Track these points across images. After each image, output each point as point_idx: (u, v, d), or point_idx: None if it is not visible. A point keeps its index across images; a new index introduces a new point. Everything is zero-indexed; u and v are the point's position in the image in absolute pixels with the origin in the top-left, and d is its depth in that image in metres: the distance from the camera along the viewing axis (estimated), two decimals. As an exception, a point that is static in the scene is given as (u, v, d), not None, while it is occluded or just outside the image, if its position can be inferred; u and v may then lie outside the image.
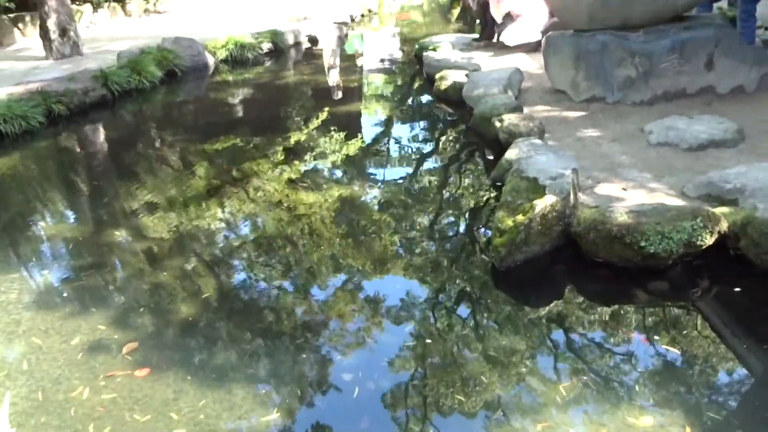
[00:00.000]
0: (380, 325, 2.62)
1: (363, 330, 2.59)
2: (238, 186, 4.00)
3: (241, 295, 2.88)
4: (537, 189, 2.91)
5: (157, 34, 8.29)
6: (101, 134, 5.39)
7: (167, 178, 4.23)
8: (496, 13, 6.74)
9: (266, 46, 7.92)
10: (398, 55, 8.21)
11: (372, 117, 5.59)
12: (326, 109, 5.68)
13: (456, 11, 12.51)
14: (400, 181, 4.06)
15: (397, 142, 4.89)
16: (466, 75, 5.41)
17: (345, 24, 9.64)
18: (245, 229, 3.48)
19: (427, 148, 4.69)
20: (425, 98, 5.99)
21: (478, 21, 7.27)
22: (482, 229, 3.33)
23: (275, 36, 8.07)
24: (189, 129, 5.38)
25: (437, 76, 5.72)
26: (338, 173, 4.23)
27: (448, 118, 5.32)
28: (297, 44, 8.46)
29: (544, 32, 6.29)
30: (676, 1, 4.46)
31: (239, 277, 3.03)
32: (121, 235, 3.46)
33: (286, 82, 6.84)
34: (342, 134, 4.96)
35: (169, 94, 6.52)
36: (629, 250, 2.68)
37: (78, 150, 5.02)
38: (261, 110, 5.92)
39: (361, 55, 7.87)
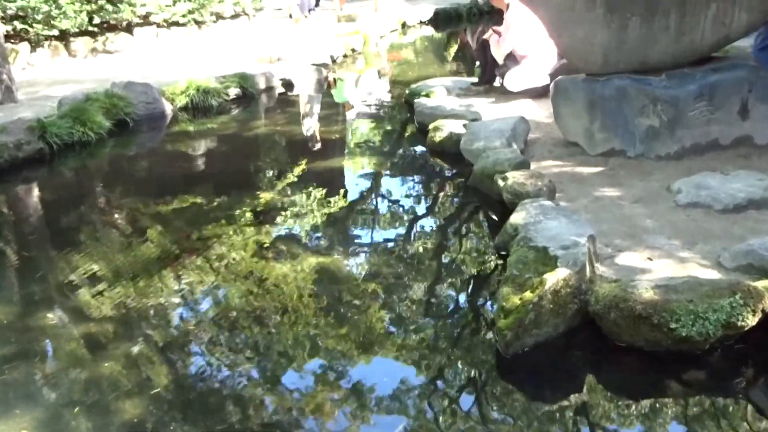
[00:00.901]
0: (367, 420, 2.60)
1: (346, 429, 2.56)
2: (198, 254, 4.02)
3: (200, 387, 2.85)
4: (547, 260, 2.95)
5: (106, 78, 8.45)
6: (36, 195, 5.41)
7: (114, 246, 4.23)
8: (498, 53, 6.97)
9: (233, 91, 8.08)
10: (387, 100, 8.40)
11: (356, 173, 5.68)
12: (303, 163, 5.77)
13: (452, 50, 12.89)
14: (389, 247, 4.09)
15: (386, 202, 4.96)
16: (464, 125, 5.54)
17: (325, 66, 9.88)
18: (206, 307, 3.48)
19: (420, 209, 4.75)
20: (417, 151, 6.10)
21: (477, 63, 7.50)
22: (486, 306, 3.34)
23: (244, 80, 8.25)
24: (141, 187, 5.42)
25: (431, 126, 5.85)
26: (317, 238, 4.26)
27: (444, 175, 5.41)
28: (269, 89, 8.65)
29: (552, 76, 6.49)
30: (701, 42, 4.65)
31: (198, 365, 3.00)
32: (55, 316, 3.43)
33: (256, 133, 6.95)
34: (322, 192, 5.03)
35: (119, 147, 6.60)
36: (658, 333, 2.70)
37: (7, 213, 5.03)
38: (226, 165, 5.99)
39: (351, 106, 8.04)
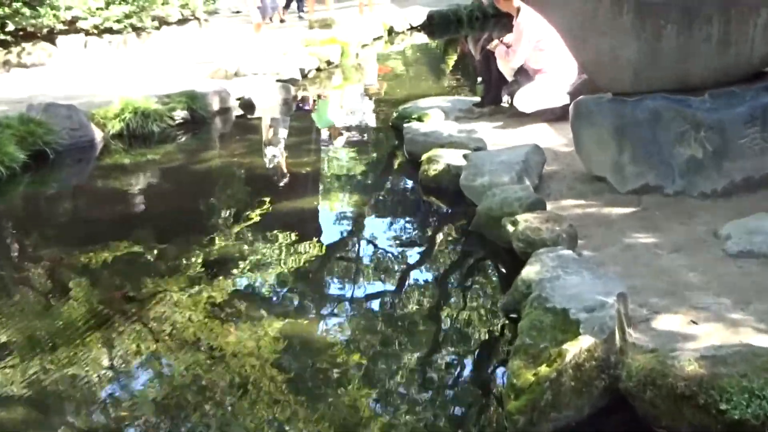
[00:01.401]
0: None
1: None
2: (133, 315, 4.00)
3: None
4: (567, 326, 2.96)
5: (21, 98, 8.49)
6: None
7: (28, 308, 4.21)
8: (505, 67, 7.09)
9: (180, 114, 8.14)
10: (370, 124, 8.49)
11: (333, 214, 5.71)
12: (267, 203, 5.79)
13: (450, 61, 13.08)
14: (373, 308, 4.10)
15: (369, 251, 4.97)
16: (465, 156, 5.59)
17: (293, 82, 9.99)
18: (143, 384, 3.45)
19: (411, 260, 4.77)
20: (407, 188, 6.14)
21: (480, 78, 7.61)
22: (492, 384, 3.34)
23: (193, 100, 8.33)
24: (64, 234, 5.42)
25: (424, 156, 5.90)
26: (284, 296, 4.26)
27: (440, 218, 5.44)
28: (224, 111, 8.72)
29: (572, 95, 6.59)
30: (751, 54, 4.76)
31: (132, 460, 2.98)
32: (-48, 398, 3.40)
33: (208, 166, 6.99)
34: (290, 238, 5.05)
35: (36, 184, 6.60)
36: (704, 415, 2.71)
37: None
38: (171, 205, 6.01)
39: (336, 131, 8.10)
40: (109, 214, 5.81)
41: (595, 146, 5.03)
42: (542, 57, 6.85)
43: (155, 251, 4.91)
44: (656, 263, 3.94)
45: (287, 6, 16.10)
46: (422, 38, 14.97)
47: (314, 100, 9.55)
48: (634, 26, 4.70)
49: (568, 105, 5.54)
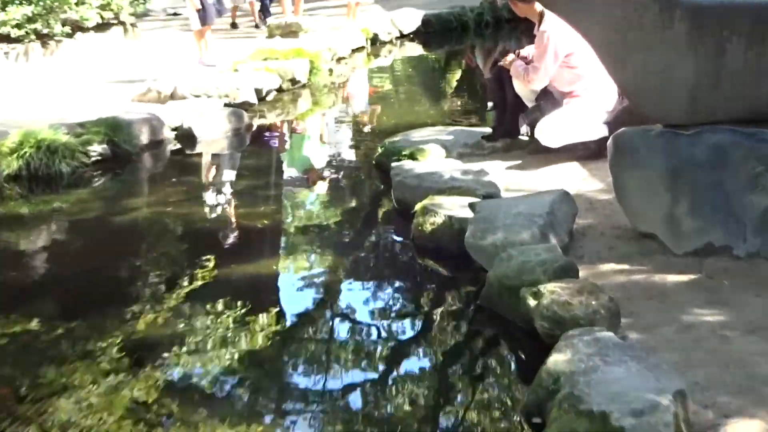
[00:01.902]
0: None
1: None
2: (26, 421, 3.94)
3: None
4: (610, 434, 2.93)
5: None
6: None
7: None
8: (524, 89, 7.14)
9: (97, 148, 8.14)
10: (347, 162, 8.51)
11: (298, 282, 5.70)
12: (210, 266, 5.78)
13: (453, 80, 13.19)
14: (352, 407, 4.06)
15: (346, 330, 4.97)
16: (471, 205, 5.60)
17: (248, 106, 10.03)
18: None
19: (401, 343, 4.76)
20: (396, 247, 6.15)
21: (491, 103, 7.65)
22: None
23: (114, 130, 8.34)
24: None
25: (418, 206, 5.90)
26: (232, 390, 4.22)
27: (439, 288, 5.44)
28: (156, 144, 8.74)
29: (611, 126, 6.64)
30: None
31: None
32: None
33: (133, 217, 6.99)
34: (241, 313, 5.03)
35: None
36: None
37: None
38: (82, 270, 5.97)
39: (316, 175, 8.14)
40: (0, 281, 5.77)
41: (642, 194, 5.05)
42: (573, 76, 6.92)
43: (59, 330, 4.86)
44: (725, 349, 3.93)
45: (266, 13, 16.23)
46: (415, 49, 15.14)
47: (248, 125, 9.51)
48: (690, 38, 4.76)
49: (606, 139, 5.58)
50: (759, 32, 4.73)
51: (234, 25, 15.72)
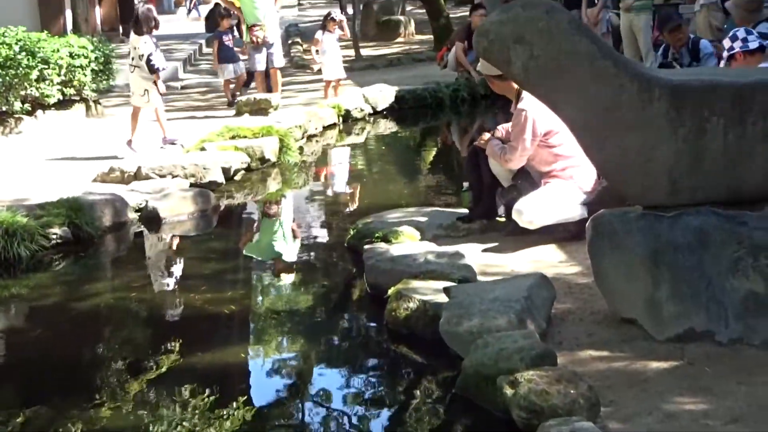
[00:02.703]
0: None
1: None
2: None
3: None
4: None
5: None
6: None
7: None
8: (500, 168, 7.21)
9: (58, 231, 8.13)
10: (318, 244, 8.54)
11: (268, 370, 5.71)
12: (174, 355, 5.79)
13: (428, 159, 13.31)
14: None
15: (318, 419, 4.96)
16: (447, 290, 5.64)
17: (215, 186, 10.07)
18: None
19: (376, 431, 4.76)
20: (369, 334, 6.16)
21: (466, 184, 7.71)
22: None
23: (76, 212, 8.33)
24: None
25: (392, 291, 5.95)
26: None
27: (413, 376, 5.43)
28: (119, 226, 8.73)
29: (590, 207, 6.72)
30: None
31: None
32: None
33: (94, 304, 6.97)
34: (207, 403, 5.03)
35: None
36: None
37: None
38: (39, 358, 5.95)
39: (275, 255, 8.17)
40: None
41: (622, 277, 5.11)
42: (551, 156, 6.99)
43: (18, 419, 4.84)
44: (709, 439, 3.96)
45: (247, 84, 16.34)
46: (389, 126, 15.23)
47: (215, 207, 9.50)
48: (670, 118, 4.88)
49: (586, 220, 5.67)
50: (739, 112, 4.85)
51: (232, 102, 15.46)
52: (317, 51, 16.53)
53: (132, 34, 12.05)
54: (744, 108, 4.85)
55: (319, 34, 16.06)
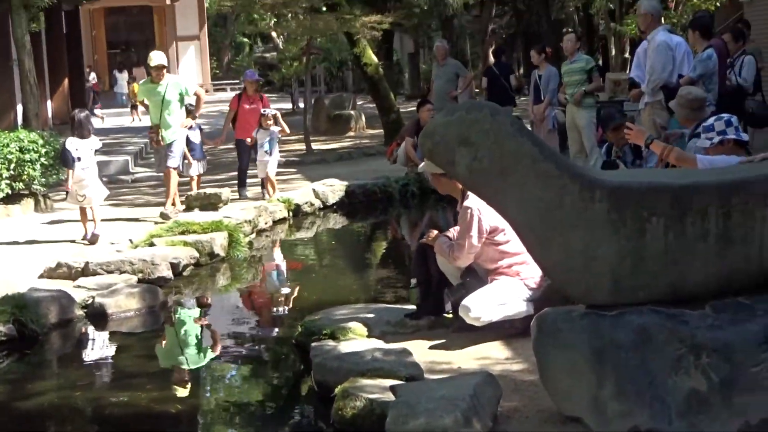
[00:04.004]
0: None
1: None
2: None
3: None
4: None
5: None
6: None
7: None
8: (448, 266, 7.28)
9: (2, 328, 8.06)
10: (265, 341, 8.53)
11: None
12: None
13: (378, 254, 13.37)
14: None
15: None
16: (394, 389, 5.65)
17: (163, 282, 10.05)
18: None
19: None
20: None
21: (414, 280, 7.77)
22: None
23: (21, 309, 8.28)
24: None
25: (338, 389, 5.94)
26: None
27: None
28: (65, 323, 8.68)
29: (537, 303, 6.80)
30: (760, 255, 5.03)
31: None
32: None
33: (38, 403, 6.91)
34: None
35: None
36: None
37: None
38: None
39: (221, 352, 8.14)
40: None
41: (567, 376, 5.15)
42: (497, 254, 7.08)
43: None
44: None
45: (242, 186, 16.05)
46: (339, 220, 15.30)
47: (163, 303, 9.45)
48: (611, 219, 4.97)
49: (532, 317, 5.72)
50: (678, 213, 4.96)
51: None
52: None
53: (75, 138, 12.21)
54: (682, 208, 4.95)
55: (254, 132, 15.33)
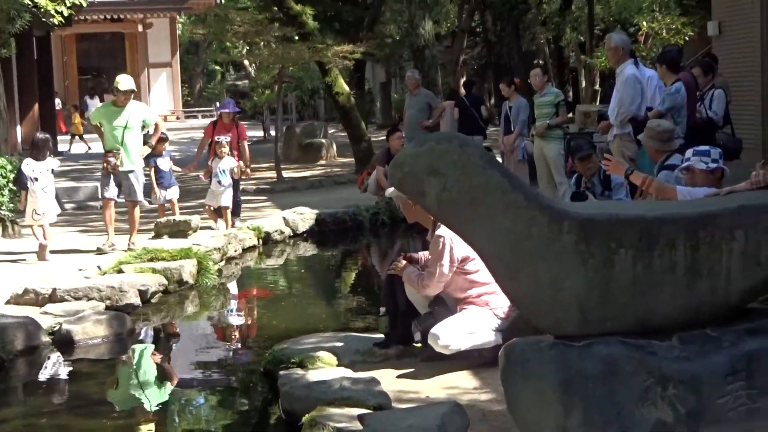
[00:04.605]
0: None
1: None
2: None
3: None
4: None
5: None
6: None
7: None
8: (416, 295, 7.30)
9: (-34, 356, 8.04)
10: (233, 370, 8.50)
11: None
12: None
13: (349, 281, 13.38)
14: None
15: None
16: (361, 418, 5.65)
17: (131, 309, 10.00)
18: None
19: None
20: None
21: (383, 309, 7.78)
22: None
23: (-14, 336, 8.25)
24: None
25: (306, 418, 5.93)
26: None
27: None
28: (31, 350, 8.63)
29: (505, 333, 6.82)
30: (727, 288, 5.06)
31: None
32: None
33: (2, 430, 6.84)
34: None
35: None
36: None
37: None
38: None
39: (187, 380, 8.10)
40: None
41: (534, 406, 5.13)
42: (466, 283, 7.11)
43: None
44: None
45: (237, 210, 15.76)
46: (309, 249, 15.30)
47: (130, 330, 9.38)
48: (579, 250, 4.98)
49: (501, 346, 5.73)
50: (646, 245, 4.98)
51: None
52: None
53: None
54: (650, 241, 4.97)
55: (210, 160, 15.07)
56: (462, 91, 22.99)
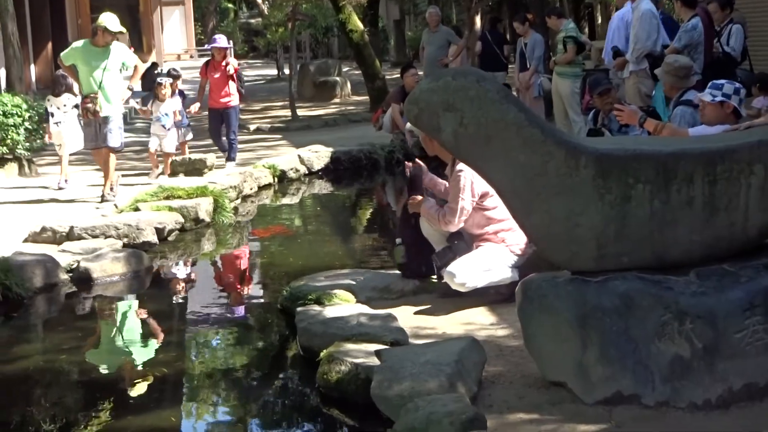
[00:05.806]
0: None
1: None
2: None
3: None
4: None
5: None
6: None
7: None
8: (433, 232, 7.27)
9: (-16, 293, 8.06)
10: (251, 306, 8.53)
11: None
12: (106, 417, 5.76)
13: (365, 218, 13.37)
14: None
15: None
16: (379, 354, 5.67)
17: (148, 246, 10.02)
18: None
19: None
20: (300, 398, 6.14)
21: (398, 240, 7.75)
22: None
23: (6, 273, 8.24)
24: None
25: (323, 354, 5.95)
26: None
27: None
28: (50, 287, 8.65)
29: (522, 269, 6.81)
30: (745, 223, 5.06)
31: None
32: None
33: (23, 366, 6.92)
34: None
35: None
36: None
37: None
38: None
39: (206, 317, 8.13)
40: None
41: (551, 341, 5.18)
42: (484, 219, 7.06)
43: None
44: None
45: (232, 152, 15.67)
46: (325, 187, 15.27)
47: (148, 267, 9.40)
48: (596, 185, 4.98)
49: (517, 283, 5.73)
50: (663, 180, 4.97)
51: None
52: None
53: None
54: (668, 176, 4.97)
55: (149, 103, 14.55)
56: (477, 27, 22.80)
